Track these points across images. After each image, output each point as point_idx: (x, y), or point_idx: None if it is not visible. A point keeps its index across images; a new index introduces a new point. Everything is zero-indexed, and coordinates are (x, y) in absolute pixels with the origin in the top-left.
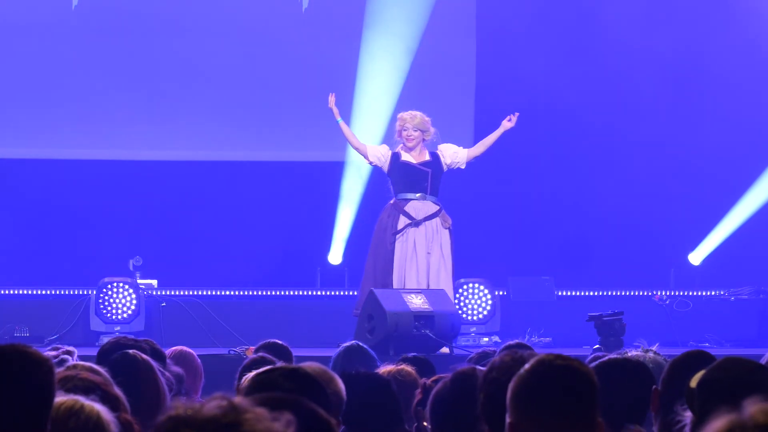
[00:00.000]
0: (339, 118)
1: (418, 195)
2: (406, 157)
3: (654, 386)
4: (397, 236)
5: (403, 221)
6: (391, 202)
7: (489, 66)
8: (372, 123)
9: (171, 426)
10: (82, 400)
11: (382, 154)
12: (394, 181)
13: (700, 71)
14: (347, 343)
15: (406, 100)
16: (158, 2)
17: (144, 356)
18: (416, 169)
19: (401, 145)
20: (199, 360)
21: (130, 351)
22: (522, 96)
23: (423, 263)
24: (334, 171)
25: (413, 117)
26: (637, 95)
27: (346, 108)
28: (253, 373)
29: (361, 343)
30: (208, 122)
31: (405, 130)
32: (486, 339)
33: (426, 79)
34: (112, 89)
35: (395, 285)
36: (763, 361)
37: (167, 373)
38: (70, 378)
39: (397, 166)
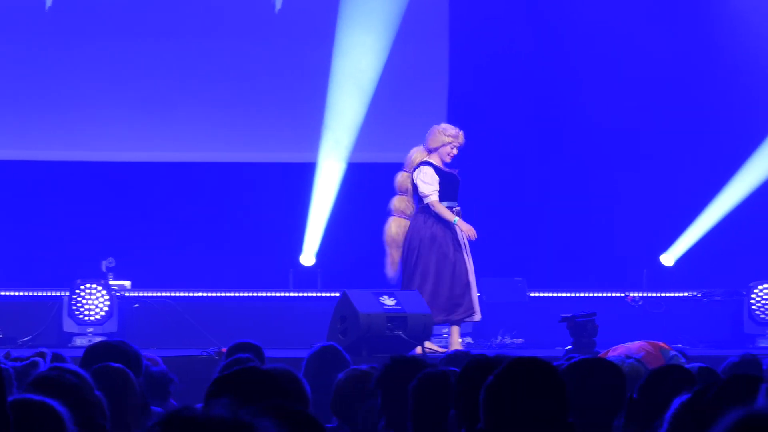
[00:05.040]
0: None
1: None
2: (442, 167)
3: (630, 394)
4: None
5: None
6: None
7: (462, 67)
8: (345, 124)
9: (177, 426)
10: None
11: (436, 180)
12: (440, 192)
13: (674, 73)
14: (320, 345)
15: (379, 100)
16: (130, 4)
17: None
18: (455, 177)
19: (434, 154)
20: (162, 363)
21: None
22: (494, 97)
23: (464, 258)
24: (307, 172)
25: (458, 136)
26: (609, 98)
27: (319, 109)
28: (216, 374)
29: (334, 344)
30: (179, 123)
31: (454, 147)
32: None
33: (399, 79)
34: (82, 91)
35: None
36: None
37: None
38: (51, 379)
39: (441, 176)
